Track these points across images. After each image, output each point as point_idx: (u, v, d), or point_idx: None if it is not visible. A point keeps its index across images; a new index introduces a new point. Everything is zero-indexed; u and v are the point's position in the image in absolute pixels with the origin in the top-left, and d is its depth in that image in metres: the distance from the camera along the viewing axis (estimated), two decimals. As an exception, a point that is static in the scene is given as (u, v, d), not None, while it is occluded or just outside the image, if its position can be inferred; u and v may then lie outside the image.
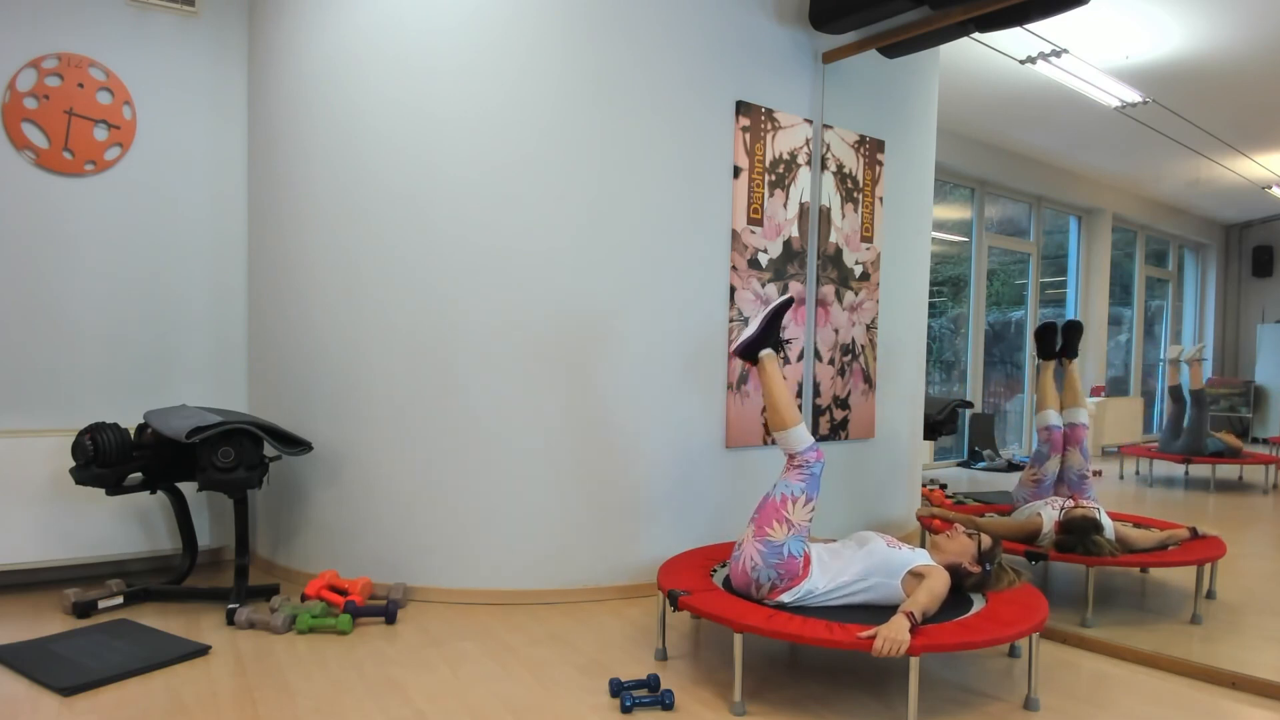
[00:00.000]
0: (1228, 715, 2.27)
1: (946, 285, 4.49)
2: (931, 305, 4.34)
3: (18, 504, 3.12)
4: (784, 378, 3.52)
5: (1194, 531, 3.09)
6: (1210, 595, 3.07)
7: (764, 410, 2.59)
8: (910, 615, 2.11)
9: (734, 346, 2.67)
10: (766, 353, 2.64)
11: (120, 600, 3.00)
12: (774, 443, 3.45)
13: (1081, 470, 3.30)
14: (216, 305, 3.68)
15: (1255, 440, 3.45)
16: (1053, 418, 3.39)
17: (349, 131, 3.21)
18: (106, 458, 2.91)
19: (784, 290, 3.54)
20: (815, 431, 3.68)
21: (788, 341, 3.53)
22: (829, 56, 3.59)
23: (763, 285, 3.47)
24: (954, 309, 4.48)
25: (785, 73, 3.50)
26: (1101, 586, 3.28)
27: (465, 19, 3.07)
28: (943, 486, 4.28)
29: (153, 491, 3.15)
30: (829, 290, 3.70)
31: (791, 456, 2.50)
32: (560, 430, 3.14)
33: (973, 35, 3.30)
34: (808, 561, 2.38)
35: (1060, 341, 3.45)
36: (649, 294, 3.22)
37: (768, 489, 2.64)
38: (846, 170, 3.73)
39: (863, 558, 2.40)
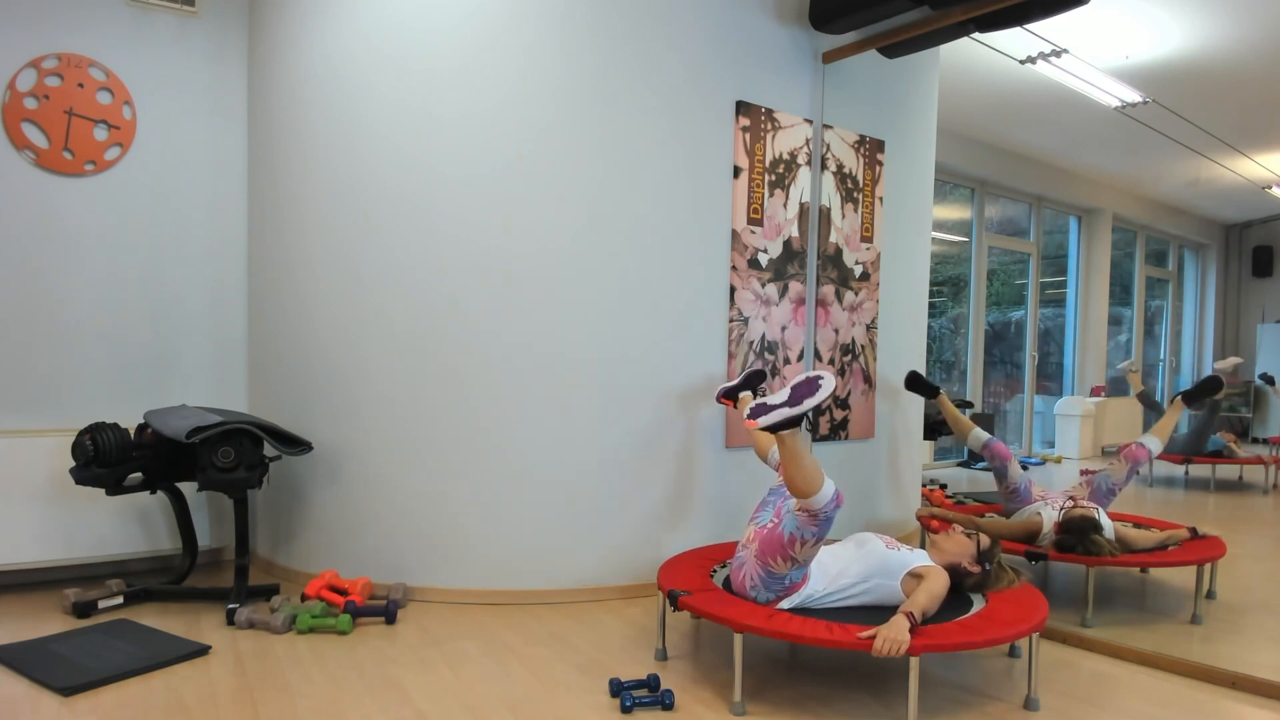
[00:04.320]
0: (1228, 715, 2.27)
1: (946, 285, 4.49)
2: (931, 305, 4.34)
3: (18, 504, 3.12)
4: (782, 378, 3.52)
5: (1194, 531, 3.09)
6: (1210, 595, 3.07)
7: (785, 479, 2.28)
8: (910, 615, 2.11)
9: (760, 421, 2.24)
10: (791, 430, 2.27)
11: (120, 600, 3.00)
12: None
13: (1115, 486, 3.29)
14: (216, 305, 3.68)
15: (1255, 440, 3.45)
16: (981, 436, 3.49)
17: (349, 131, 3.21)
18: (106, 458, 2.91)
19: (784, 290, 3.54)
20: (815, 431, 3.69)
21: (811, 424, 3.53)
22: (829, 56, 3.59)
23: (763, 285, 3.47)
24: (954, 309, 4.48)
25: (785, 73, 3.50)
26: (1101, 586, 3.28)
27: (465, 19, 3.07)
28: (943, 486, 4.28)
29: (153, 491, 3.15)
30: (829, 290, 3.70)
31: (810, 510, 2.23)
32: (560, 430, 3.14)
33: (973, 35, 3.30)
34: (806, 572, 2.37)
35: (1197, 393, 3.42)
36: (649, 293, 3.22)
37: (771, 484, 2.63)
38: (846, 170, 3.73)
39: (861, 559, 2.40)
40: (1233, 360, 3.42)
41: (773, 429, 2.24)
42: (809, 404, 2.20)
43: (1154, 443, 3.29)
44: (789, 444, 2.22)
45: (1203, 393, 3.35)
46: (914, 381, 3.90)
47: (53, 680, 2.29)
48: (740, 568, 2.42)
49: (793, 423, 2.22)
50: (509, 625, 2.88)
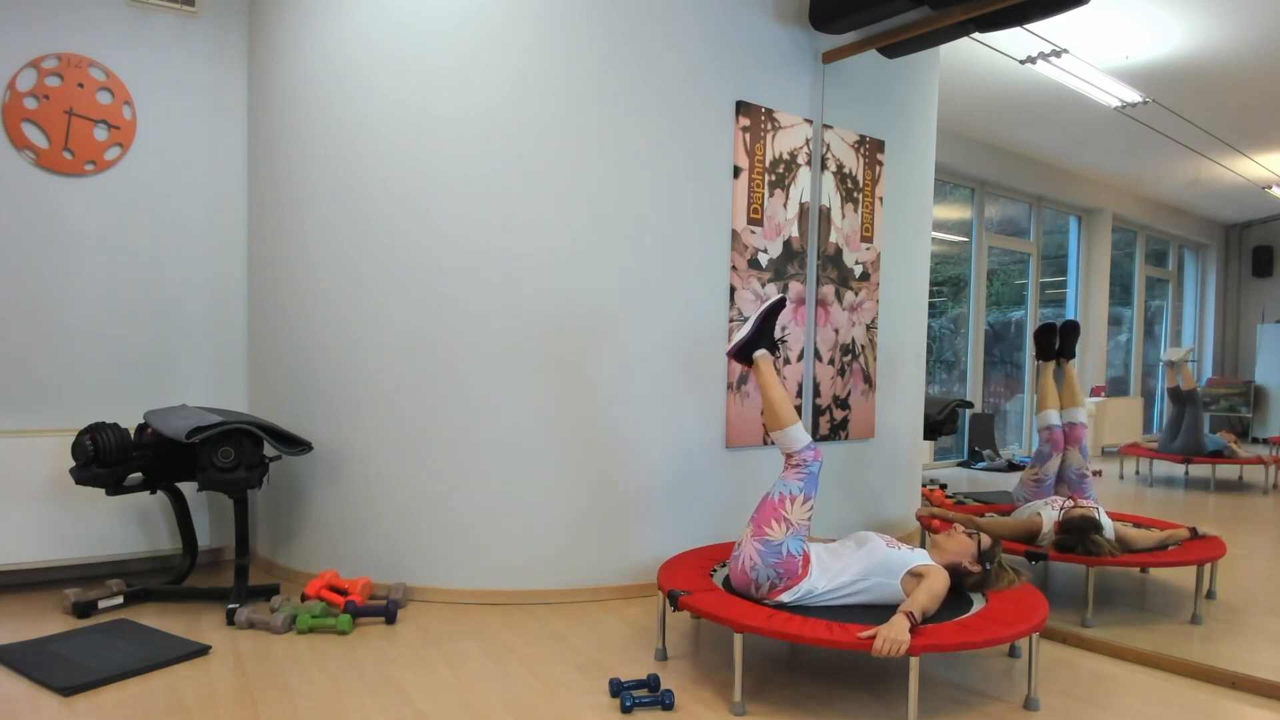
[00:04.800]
0: (1228, 715, 2.27)
1: (946, 285, 4.49)
2: (931, 305, 4.34)
3: (18, 504, 3.12)
4: (782, 378, 3.52)
5: (1194, 531, 3.09)
6: (1210, 595, 3.07)
7: (763, 410, 2.57)
8: (910, 615, 2.11)
9: (728, 348, 2.68)
10: (761, 354, 2.63)
11: (120, 600, 3.00)
12: (774, 442, 3.45)
13: (1081, 469, 3.31)
14: (216, 305, 3.68)
15: (1255, 440, 3.45)
16: (1053, 417, 3.40)
17: (349, 131, 3.21)
18: (106, 458, 2.91)
19: (784, 290, 3.54)
20: (815, 431, 3.68)
21: (783, 341, 3.53)
22: (829, 56, 3.59)
23: (763, 285, 3.47)
24: (954, 309, 4.48)
25: (785, 73, 3.50)
26: (1101, 586, 3.28)
27: (465, 19, 3.07)
28: (943, 486, 4.28)
29: (153, 491, 3.15)
30: (829, 290, 3.70)
31: (789, 456, 2.49)
32: (560, 430, 3.14)
33: (973, 35, 3.30)
34: (807, 561, 2.38)
35: (1058, 342, 3.47)
36: (649, 294, 3.22)
37: (768, 488, 2.64)
38: (846, 170, 3.73)
39: (862, 557, 2.40)
40: (1182, 350, 3.45)
41: (736, 354, 2.65)
42: (760, 311, 2.64)
43: (1075, 413, 3.32)
44: (762, 370, 2.60)
45: (1066, 341, 3.39)
46: (1062, 332, 3.48)
47: (53, 680, 2.29)
48: (739, 559, 2.43)
49: (753, 344, 2.63)
50: (509, 625, 2.88)
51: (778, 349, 3.59)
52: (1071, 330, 3.46)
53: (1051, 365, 3.49)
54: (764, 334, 2.64)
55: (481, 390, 3.10)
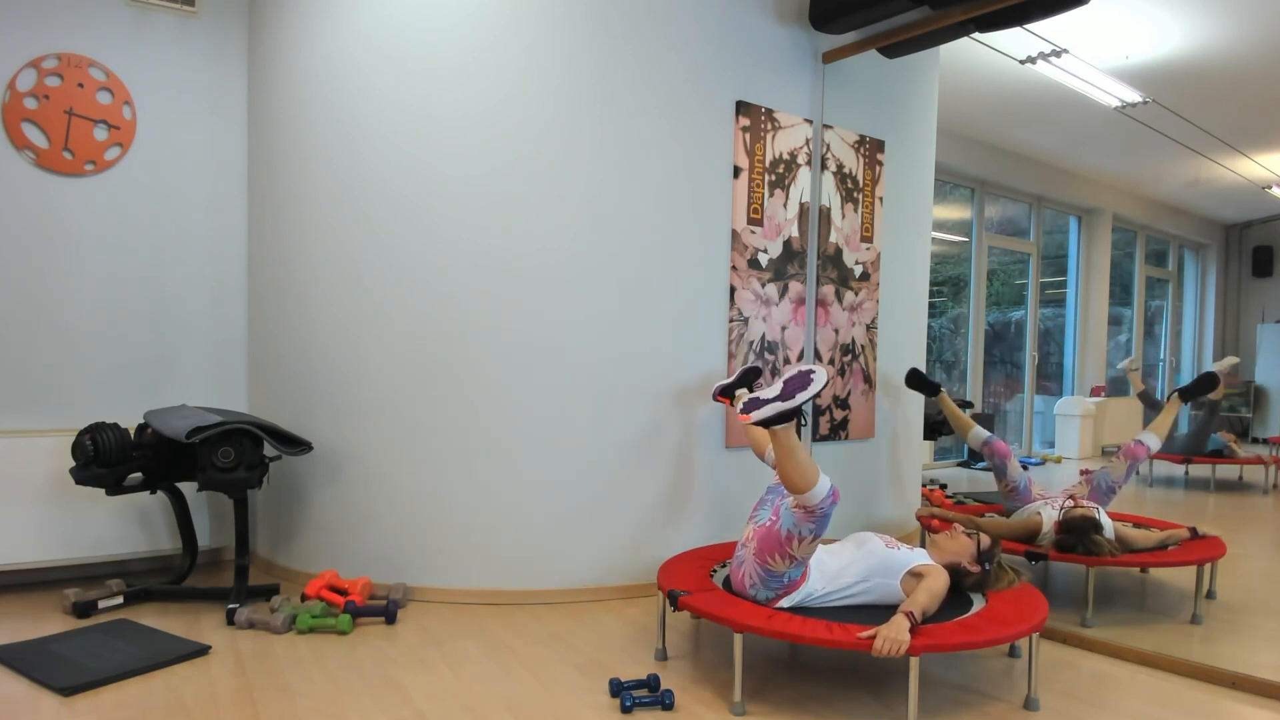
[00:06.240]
0: (1228, 715, 2.27)
1: (946, 285, 4.49)
2: (931, 305, 4.34)
3: (18, 504, 3.12)
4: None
5: (1194, 531, 3.09)
6: (1210, 595, 3.07)
7: (779, 475, 2.30)
8: (910, 615, 2.11)
9: (754, 416, 2.24)
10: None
11: (120, 600, 3.00)
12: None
13: (1116, 483, 3.30)
14: (216, 305, 3.68)
15: (1255, 440, 3.45)
16: (982, 433, 3.48)
17: (349, 131, 3.21)
18: (106, 458, 2.91)
19: (784, 290, 3.54)
20: (815, 431, 3.68)
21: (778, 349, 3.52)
22: (829, 56, 3.59)
23: (763, 285, 3.47)
24: (954, 309, 4.48)
25: (785, 73, 3.50)
26: (1101, 586, 3.28)
27: (465, 19, 3.07)
28: (943, 486, 4.28)
29: (153, 491, 3.15)
30: (829, 290, 3.70)
31: (809, 508, 2.24)
32: (560, 429, 3.14)
33: (973, 35, 3.30)
34: (806, 569, 2.38)
35: (1194, 388, 3.41)
36: (649, 293, 3.22)
37: (769, 489, 2.63)
38: (846, 170, 3.73)
39: (861, 559, 2.40)
40: (1230, 360, 3.42)
41: (765, 424, 2.24)
42: (801, 398, 2.21)
43: (1152, 439, 3.29)
44: (782, 439, 2.22)
45: (1199, 390, 3.35)
46: (915, 379, 3.90)
47: (53, 680, 2.29)
48: (740, 566, 2.42)
49: (785, 417, 2.22)
50: (509, 625, 2.88)
51: (804, 419, 3.49)
52: (1207, 383, 3.39)
53: (947, 399, 3.73)
54: (797, 412, 2.24)
55: (481, 390, 3.10)
